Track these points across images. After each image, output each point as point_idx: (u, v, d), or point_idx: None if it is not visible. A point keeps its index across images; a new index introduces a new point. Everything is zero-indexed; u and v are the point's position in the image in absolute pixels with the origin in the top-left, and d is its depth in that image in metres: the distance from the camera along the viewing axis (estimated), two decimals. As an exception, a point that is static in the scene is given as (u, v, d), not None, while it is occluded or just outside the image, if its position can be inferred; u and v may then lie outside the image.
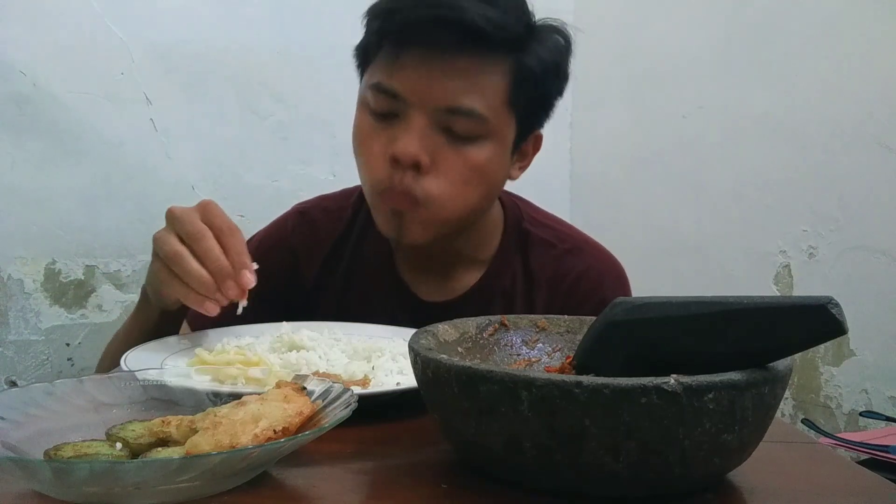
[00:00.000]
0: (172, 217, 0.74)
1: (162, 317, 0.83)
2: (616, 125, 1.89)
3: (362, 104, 0.88)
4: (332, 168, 1.58)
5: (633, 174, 1.87)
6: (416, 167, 0.83)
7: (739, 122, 1.66)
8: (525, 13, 0.86)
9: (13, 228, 1.36)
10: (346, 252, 1.01)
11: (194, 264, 0.72)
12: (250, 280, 0.73)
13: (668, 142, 1.79)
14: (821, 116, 1.53)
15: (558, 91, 0.92)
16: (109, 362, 0.91)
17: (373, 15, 0.86)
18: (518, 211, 1.02)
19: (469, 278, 0.98)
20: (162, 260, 0.74)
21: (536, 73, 0.86)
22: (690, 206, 1.76)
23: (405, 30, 0.82)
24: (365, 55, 0.89)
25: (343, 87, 1.54)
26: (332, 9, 1.56)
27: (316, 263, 1.00)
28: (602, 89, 1.87)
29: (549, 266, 0.98)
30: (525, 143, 0.93)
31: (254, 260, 0.75)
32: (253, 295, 0.74)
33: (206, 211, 0.74)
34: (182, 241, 0.73)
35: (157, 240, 0.75)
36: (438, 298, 0.97)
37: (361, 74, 0.91)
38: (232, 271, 0.72)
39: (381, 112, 0.85)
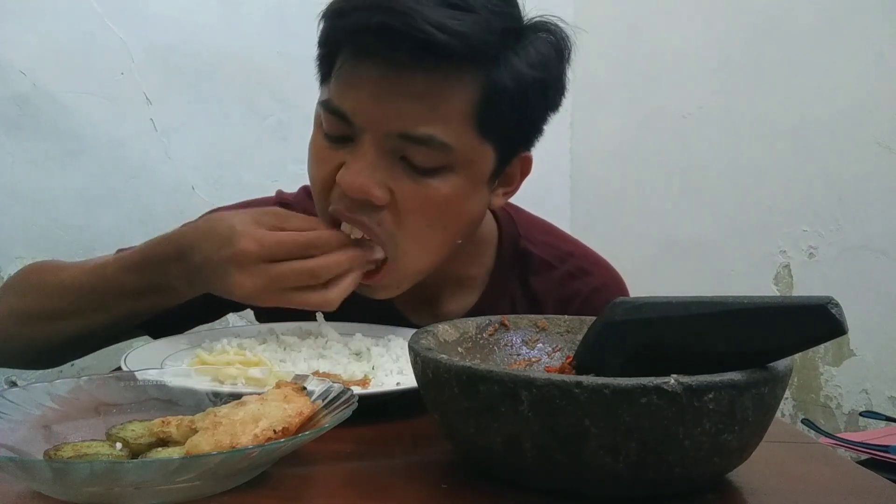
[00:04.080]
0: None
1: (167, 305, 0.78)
2: (616, 125, 1.89)
3: (317, 122, 0.76)
4: (332, 168, 1.58)
5: (633, 174, 1.87)
6: (370, 203, 0.71)
7: (739, 122, 1.66)
8: (499, 18, 0.70)
9: (13, 228, 1.36)
10: None
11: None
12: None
13: (668, 142, 1.79)
14: (821, 116, 1.53)
15: (549, 107, 0.78)
16: (35, 295, 0.83)
17: (323, 17, 0.72)
18: (514, 227, 0.92)
19: (463, 303, 0.88)
20: (284, 277, 0.69)
21: (512, 92, 0.71)
22: (690, 207, 1.75)
23: (352, 39, 0.70)
24: (325, 67, 0.76)
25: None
26: (332, 9, 1.56)
27: None
28: (602, 89, 1.86)
29: (555, 289, 0.89)
30: (510, 166, 0.79)
31: None
32: None
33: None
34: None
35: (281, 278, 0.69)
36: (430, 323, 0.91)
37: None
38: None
39: (332, 135, 0.73)
